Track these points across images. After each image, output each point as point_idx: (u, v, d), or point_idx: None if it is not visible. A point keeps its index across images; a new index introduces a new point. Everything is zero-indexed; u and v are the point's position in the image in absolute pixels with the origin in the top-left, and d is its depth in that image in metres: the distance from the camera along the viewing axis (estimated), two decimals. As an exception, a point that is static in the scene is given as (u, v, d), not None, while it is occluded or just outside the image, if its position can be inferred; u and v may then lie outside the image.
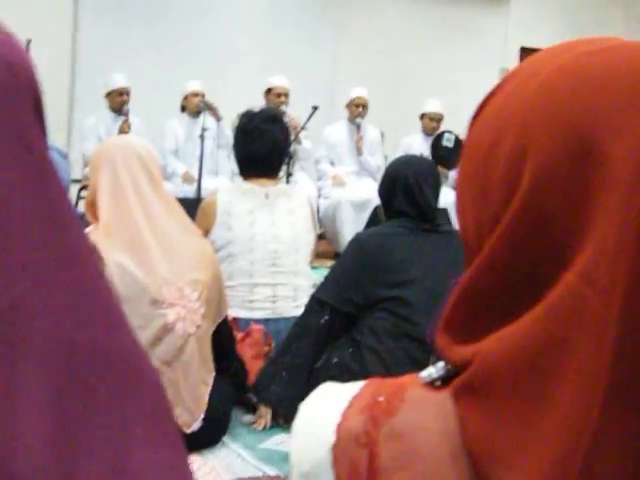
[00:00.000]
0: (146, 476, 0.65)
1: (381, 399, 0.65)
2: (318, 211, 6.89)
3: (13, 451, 0.56)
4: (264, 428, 2.99)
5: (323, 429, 0.66)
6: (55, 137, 3.91)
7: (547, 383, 0.54)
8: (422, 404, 0.64)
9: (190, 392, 2.57)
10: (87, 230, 2.42)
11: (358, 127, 7.34)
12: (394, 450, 0.61)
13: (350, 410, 0.66)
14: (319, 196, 7.16)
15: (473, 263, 0.61)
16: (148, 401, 0.69)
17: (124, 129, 6.63)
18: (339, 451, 0.64)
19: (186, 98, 7.10)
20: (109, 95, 6.86)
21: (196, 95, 6.98)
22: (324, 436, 0.66)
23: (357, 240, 3.03)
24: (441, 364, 0.65)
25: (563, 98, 0.57)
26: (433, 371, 0.65)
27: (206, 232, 3.34)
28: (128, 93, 6.85)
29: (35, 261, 0.61)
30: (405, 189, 2.96)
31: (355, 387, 0.69)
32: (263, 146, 3.52)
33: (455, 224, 6.72)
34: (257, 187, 3.57)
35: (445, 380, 0.64)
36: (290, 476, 0.69)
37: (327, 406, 0.69)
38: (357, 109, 7.36)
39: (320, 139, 7.48)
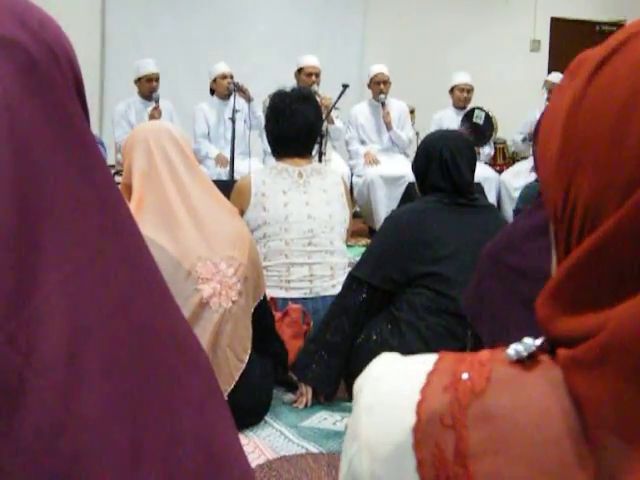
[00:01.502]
0: (206, 444, 0.66)
1: (465, 377, 0.60)
2: (351, 189, 6.90)
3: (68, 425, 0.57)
4: (305, 406, 3.00)
5: (401, 409, 0.62)
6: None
7: None
8: (513, 384, 0.59)
9: (219, 366, 2.57)
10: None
11: (383, 104, 7.31)
12: (485, 433, 0.57)
13: (430, 388, 0.61)
14: (352, 174, 7.16)
15: (600, 228, 0.57)
16: (198, 378, 0.70)
17: (154, 115, 6.65)
18: (421, 433, 0.59)
19: (215, 81, 7.09)
20: (139, 81, 6.88)
21: (224, 77, 6.97)
22: (403, 417, 0.61)
23: (393, 217, 3.02)
24: (529, 341, 0.61)
25: None
26: (521, 348, 0.61)
27: (240, 213, 3.35)
28: (157, 79, 6.85)
29: (84, 241, 0.62)
30: (440, 163, 2.93)
31: (426, 361, 0.65)
32: (295, 126, 3.51)
33: (490, 199, 6.69)
34: (290, 167, 3.57)
35: (530, 357, 0.61)
36: (357, 460, 0.63)
37: (401, 383, 0.64)
38: (378, 86, 7.33)
39: (348, 119, 7.46)
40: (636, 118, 0.55)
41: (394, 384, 0.64)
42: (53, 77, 0.65)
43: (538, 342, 0.61)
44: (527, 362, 0.60)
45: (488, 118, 7.21)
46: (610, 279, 0.56)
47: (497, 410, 0.58)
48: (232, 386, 2.60)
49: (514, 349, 0.61)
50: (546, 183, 0.65)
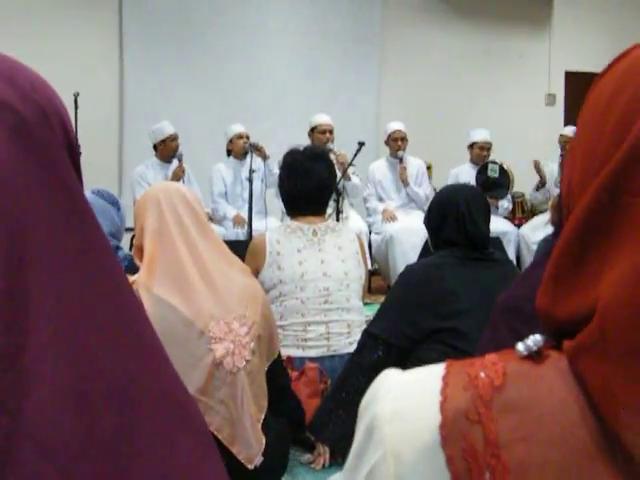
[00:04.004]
0: None
1: (482, 375, 0.63)
2: (370, 247, 6.89)
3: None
4: (323, 467, 2.96)
5: (424, 411, 0.63)
6: (107, 186, 3.99)
7: None
8: (529, 377, 0.62)
9: (247, 427, 2.54)
10: (134, 277, 2.43)
11: (400, 160, 7.36)
12: (512, 423, 0.59)
13: (449, 389, 0.63)
14: (370, 232, 7.17)
15: (580, 204, 0.61)
16: (193, 434, 0.69)
17: (178, 173, 6.73)
18: (448, 430, 0.61)
19: (231, 141, 7.19)
20: (163, 143, 6.95)
21: (240, 137, 7.06)
22: (427, 418, 0.62)
23: (407, 272, 2.99)
24: (537, 337, 0.64)
25: None
26: (531, 344, 0.63)
27: (256, 273, 3.35)
28: (178, 138, 6.98)
29: (71, 295, 0.62)
30: (456, 217, 2.91)
31: (435, 369, 0.67)
32: (308, 184, 3.52)
33: (509, 253, 6.66)
34: (305, 225, 3.57)
35: (538, 352, 0.64)
36: (382, 467, 0.63)
37: (419, 389, 0.66)
38: (396, 143, 7.41)
39: (367, 176, 7.51)
40: (615, 107, 0.61)
41: (412, 391, 0.66)
42: (44, 138, 0.65)
43: (544, 338, 0.64)
44: (536, 357, 0.63)
45: (502, 170, 7.23)
46: (591, 252, 0.60)
47: (519, 401, 0.60)
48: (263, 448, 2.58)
49: (524, 345, 0.64)
50: (566, 188, 0.69)
